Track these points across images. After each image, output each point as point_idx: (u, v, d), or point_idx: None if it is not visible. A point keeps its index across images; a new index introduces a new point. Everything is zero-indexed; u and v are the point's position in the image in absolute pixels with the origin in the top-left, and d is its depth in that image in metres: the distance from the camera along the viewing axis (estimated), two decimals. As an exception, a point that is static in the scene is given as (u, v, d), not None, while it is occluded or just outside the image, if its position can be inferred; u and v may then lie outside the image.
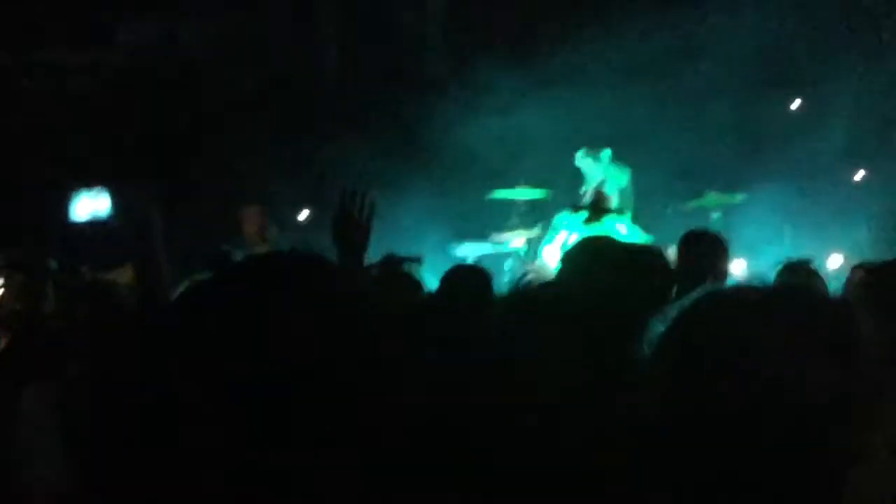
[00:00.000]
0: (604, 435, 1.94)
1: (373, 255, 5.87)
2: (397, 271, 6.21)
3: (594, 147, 10.51)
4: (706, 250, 6.12)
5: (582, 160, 10.52)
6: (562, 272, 3.81)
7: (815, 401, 1.49)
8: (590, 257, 3.74)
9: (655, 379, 1.64)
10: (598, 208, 10.27)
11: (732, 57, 12.69)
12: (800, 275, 5.94)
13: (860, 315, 1.60)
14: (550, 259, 9.71)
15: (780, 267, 6.10)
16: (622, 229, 10.12)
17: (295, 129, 13.08)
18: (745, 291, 1.66)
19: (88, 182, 11.75)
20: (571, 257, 3.87)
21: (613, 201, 10.35)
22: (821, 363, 1.52)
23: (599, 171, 10.42)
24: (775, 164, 12.69)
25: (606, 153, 10.49)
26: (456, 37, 13.65)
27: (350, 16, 13.73)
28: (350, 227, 4.67)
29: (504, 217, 11.16)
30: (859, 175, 13.86)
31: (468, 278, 6.03)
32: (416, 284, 6.02)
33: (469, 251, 11.01)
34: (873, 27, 12.76)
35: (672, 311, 1.74)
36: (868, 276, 5.16)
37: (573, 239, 9.96)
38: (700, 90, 12.84)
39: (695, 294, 1.74)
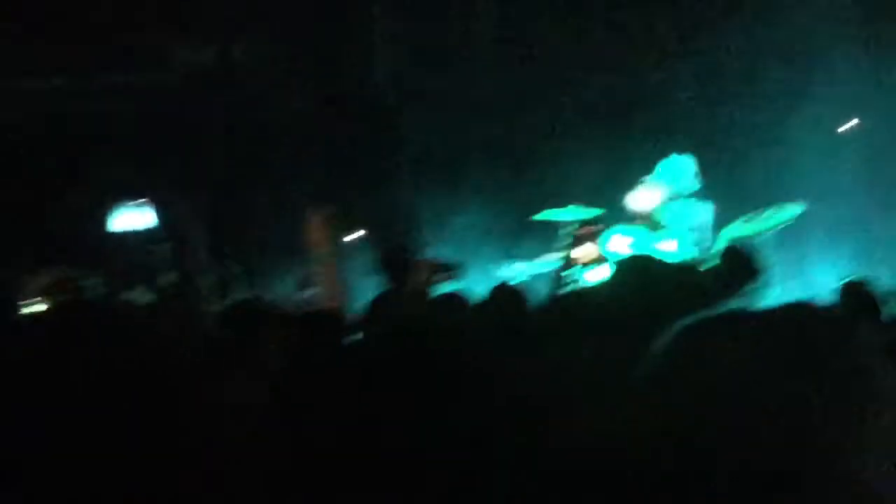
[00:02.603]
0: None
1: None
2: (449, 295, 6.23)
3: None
4: (740, 265, 6.14)
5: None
6: (609, 284, 3.83)
7: (805, 423, 1.51)
8: (637, 273, 3.72)
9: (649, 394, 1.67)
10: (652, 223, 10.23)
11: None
12: (861, 294, 5.91)
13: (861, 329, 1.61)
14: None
15: (841, 284, 6.06)
16: (671, 246, 10.06)
17: (347, 149, 13.14)
18: (737, 316, 1.68)
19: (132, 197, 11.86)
20: (621, 271, 3.89)
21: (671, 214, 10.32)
22: (807, 384, 1.54)
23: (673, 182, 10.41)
24: (831, 181, 12.53)
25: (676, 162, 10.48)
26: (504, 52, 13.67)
27: (405, 35, 13.78)
28: (396, 266, 4.72)
29: (555, 237, 11.06)
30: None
31: (508, 298, 6.04)
32: (463, 305, 6.04)
33: (518, 271, 10.94)
34: None
35: (671, 330, 1.72)
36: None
37: (621, 243, 9.94)
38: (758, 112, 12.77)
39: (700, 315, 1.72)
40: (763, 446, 1.54)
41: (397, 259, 5.35)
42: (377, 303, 5.71)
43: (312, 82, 13.33)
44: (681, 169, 10.70)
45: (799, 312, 1.68)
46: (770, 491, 1.53)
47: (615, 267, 4.08)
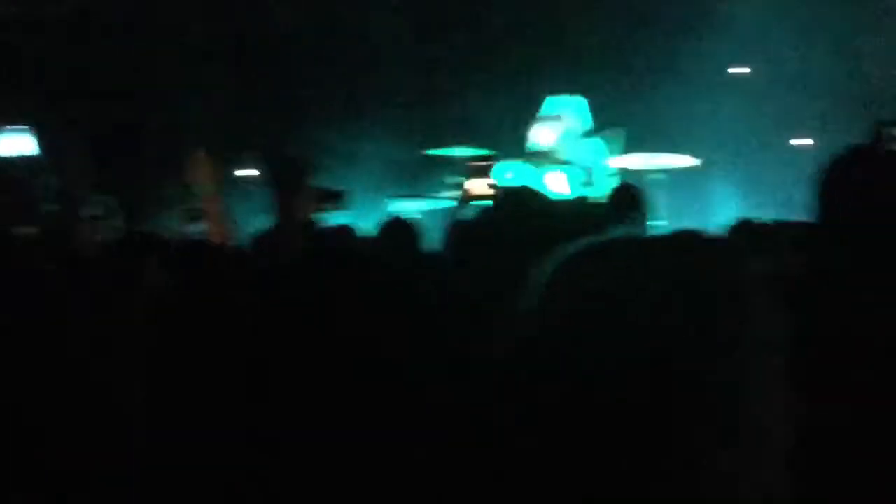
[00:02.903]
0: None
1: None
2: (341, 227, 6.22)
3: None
4: (620, 202, 6.24)
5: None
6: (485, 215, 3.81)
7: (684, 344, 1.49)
8: (519, 197, 3.68)
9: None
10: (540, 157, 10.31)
11: (686, 27, 12.74)
12: (750, 231, 5.97)
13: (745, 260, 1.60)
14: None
15: (734, 224, 6.12)
16: (556, 180, 10.15)
17: (244, 81, 13.02)
18: (622, 240, 1.65)
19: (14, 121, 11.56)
20: (501, 197, 3.84)
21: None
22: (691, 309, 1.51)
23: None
24: (720, 129, 12.71)
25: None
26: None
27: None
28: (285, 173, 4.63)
29: (442, 175, 11.10)
30: (803, 142, 13.93)
31: (401, 230, 6.07)
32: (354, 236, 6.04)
33: (406, 207, 10.94)
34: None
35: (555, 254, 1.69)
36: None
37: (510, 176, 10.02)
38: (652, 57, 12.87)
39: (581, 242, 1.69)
40: (644, 376, 1.48)
41: (288, 170, 5.25)
42: (265, 235, 5.66)
43: (208, 15, 13.14)
44: (574, 108, 10.77)
45: (686, 239, 1.65)
46: (649, 426, 1.48)
47: (493, 200, 4.04)
